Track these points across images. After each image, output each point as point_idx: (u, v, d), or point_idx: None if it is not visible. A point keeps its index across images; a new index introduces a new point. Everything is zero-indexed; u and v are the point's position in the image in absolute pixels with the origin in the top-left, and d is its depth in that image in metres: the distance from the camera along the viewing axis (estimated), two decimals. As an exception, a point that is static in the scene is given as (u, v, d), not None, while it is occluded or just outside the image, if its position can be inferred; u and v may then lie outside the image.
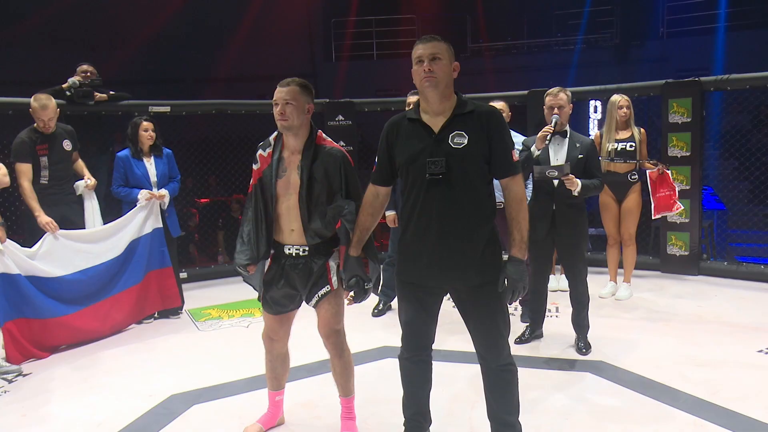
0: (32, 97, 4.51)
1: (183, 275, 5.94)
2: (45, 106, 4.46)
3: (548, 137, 3.85)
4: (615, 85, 6.18)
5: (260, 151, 2.81)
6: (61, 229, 4.35)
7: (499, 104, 4.44)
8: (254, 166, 2.83)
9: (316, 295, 2.77)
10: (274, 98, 2.67)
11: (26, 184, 4.40)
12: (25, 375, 3.88)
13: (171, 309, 5.06)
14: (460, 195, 2.40)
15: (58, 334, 4.29)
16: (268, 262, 2.85)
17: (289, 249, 2.76)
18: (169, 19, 11.02)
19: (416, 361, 2.66)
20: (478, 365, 3.64)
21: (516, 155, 2.49)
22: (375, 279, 2.75)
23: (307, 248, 2.74)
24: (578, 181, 3.74)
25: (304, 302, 2.87)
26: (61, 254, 4.33)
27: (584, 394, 3.38)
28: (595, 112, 8.41)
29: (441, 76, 2.39)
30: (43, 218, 4.30)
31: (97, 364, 4.09)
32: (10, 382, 3.79)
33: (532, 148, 3.92)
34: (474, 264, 2.43)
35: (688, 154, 5.82)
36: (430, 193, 2.41)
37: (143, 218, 4.76)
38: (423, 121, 2.46)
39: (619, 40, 12.55)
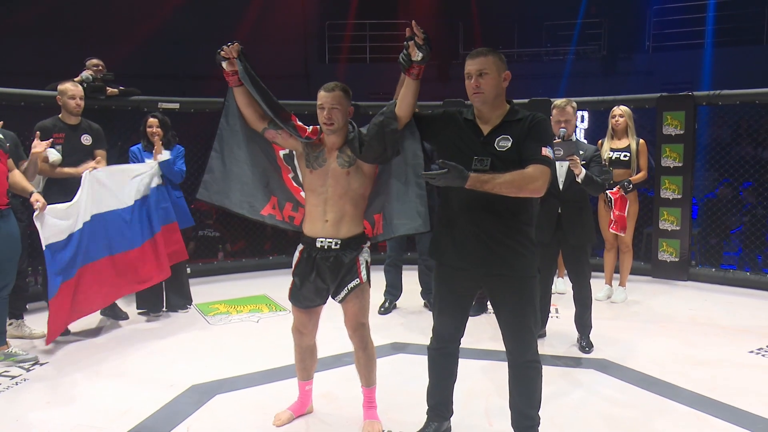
0: (58, 86, 4.65)
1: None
2: (75, 85, 4.64)
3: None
4: (611, 96, 6.40)
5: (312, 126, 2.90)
6: None
7: None
8: (302, 124, 2.89)
9: (346, 288, 2.90)
10: (319, 102, 2.79)
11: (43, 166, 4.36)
12: (41, 364, 3.93)
13: (179, 302, 5.12)
14: (501, 196, 2.49)
15: (89, 288, 4.29)
16: (297, 255, 2.97)
17: (321, 242, 2.87)
18: (167, 15, 10.99)
19: (444, 353, 2.83)
20: (491, 361, 3.82)
21: (547, 152, 2.53)
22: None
23: (339, 241, 2.86)
24: (583, 168, 3.87)
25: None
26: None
27: (592, 388, 3.55)
28: (582, 121, 8.63)
29: (488, 90, 2.55)
30: (36, 195, 4.09)
31: (111, 354, 4.15)
32: (27, 370, 3.84)
33: None
34: (509, 257, 2.56)
35: (680, 164, 6.06)
36: (472, 191, 2.49)
37: (146, 179, 4.76)
38: (476, 123, 2.63)
39: (607, 52, 12.82)
